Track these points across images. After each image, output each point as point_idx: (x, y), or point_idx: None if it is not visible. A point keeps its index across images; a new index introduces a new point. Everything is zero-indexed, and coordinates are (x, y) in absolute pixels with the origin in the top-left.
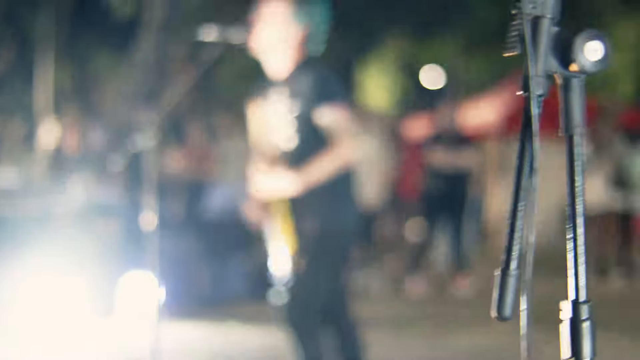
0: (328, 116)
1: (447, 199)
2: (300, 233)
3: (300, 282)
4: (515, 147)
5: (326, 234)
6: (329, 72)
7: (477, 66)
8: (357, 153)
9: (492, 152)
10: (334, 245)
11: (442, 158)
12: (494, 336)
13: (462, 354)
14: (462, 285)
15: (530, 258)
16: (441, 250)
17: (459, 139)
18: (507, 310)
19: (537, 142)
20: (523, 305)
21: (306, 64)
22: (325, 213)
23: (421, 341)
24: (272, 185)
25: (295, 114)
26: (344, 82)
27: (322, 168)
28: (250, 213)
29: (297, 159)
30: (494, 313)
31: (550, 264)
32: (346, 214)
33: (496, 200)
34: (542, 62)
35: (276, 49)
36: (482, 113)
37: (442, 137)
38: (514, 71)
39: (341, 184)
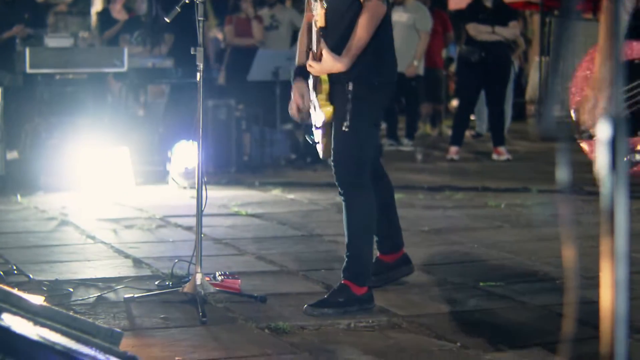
0: None
1: (488, 69)
2: (339, 90)
3: (344, 141)
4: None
5: (364, 88)
6: None
7: None
8: (384, 6)
9: (534, 24)
10: (372, 99)
11: (484, 30)
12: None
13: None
14: (501, 153)
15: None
16: (481, 118)
17: (501, 10)
18: (548, 126)
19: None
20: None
21: None
22: (361, 68)
23: (462, 207)
24: (321, 67)
25: None
26: None
27: (360, 35)
28: (295, 104)
29: (333, 21)
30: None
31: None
32: (382, 67)
33: (535, 70)
34: None
35: None
36: None
37: (483, 9)
38: None
39: (374, 39)
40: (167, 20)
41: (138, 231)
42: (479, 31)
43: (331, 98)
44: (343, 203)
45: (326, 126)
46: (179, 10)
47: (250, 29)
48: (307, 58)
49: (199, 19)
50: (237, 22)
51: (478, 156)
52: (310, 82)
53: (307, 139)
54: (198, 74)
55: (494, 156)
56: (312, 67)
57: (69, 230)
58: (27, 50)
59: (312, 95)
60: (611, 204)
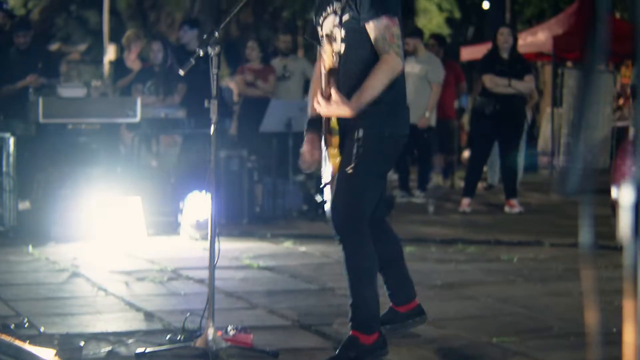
0: (377, 29)
1: (502, 122)
2: (349, 138)
3: (347, 186)
4: (568, 69)
5: (374, 137)
6: None
7: None
8: (402, 64)
9: (546, 75)
10: (381, 149)
11: (500, 83)
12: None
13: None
14: (514, 206)
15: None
16: (493, 170)
17: (517, 63)
18: (570, 188)
19: (601, 58)
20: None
21: None
22: (373, 118)
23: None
24: (329, 108)
25: (340, 21)
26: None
27: (372, 85)
28: (305, 155)
29: (346, 64)
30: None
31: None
32: (394, 119)
33: (547, 121)
34: None
35: None
36: (539, 39)
37: (499, 61)
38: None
39: (389, 90)
40: (182, 73)
41: (150, 284)
42: (495, 83)
43: (341, 147)
44: (342, 251)
45: (334, 180)
46: (193, 63)
47: (262, 79)
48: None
49: (214, 71)
50: (250, 72)
51: (490, 208)
52: (322, 135)
53: (317, 198)
54: (212, 127)
55: (507, 209)
56: (320, 106)
57: (80, 282)
58: (40, 100)
59: (323, 148)
60: (634, 271)
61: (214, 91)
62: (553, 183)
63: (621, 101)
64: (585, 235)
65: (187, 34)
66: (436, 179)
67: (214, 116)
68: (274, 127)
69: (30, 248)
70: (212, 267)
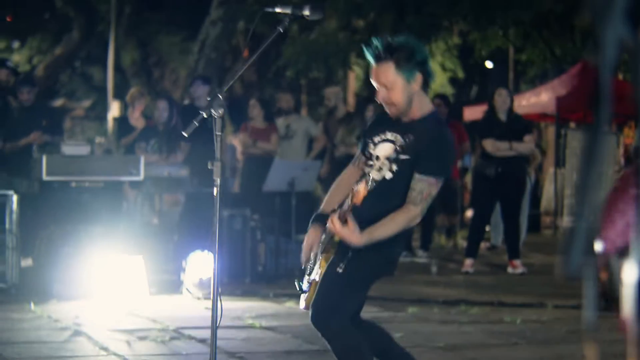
0: (422, 183)
1: (505, 183)
2: (346, 244)
3: (332, 282)
4: (571, 130)
5: (370, 249)
6: (449, 141)
7: (538, 53)
8: (420, 218)
9: (549, 135)
10: (375, 261)
11: (502, 147)
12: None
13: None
14: (516, 266)
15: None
16: (496, 230)
17: (516, 124)
18: (573, 270)
19: (605, 118)
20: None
21: (434, 119)
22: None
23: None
24: (341, 231)
25: (396, 157)
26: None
27: (388, 227)
28: (305, 250)
29: (378, 192)
30: (559, 271)
31: None
32: (394, 241)
33: (550, 182)
34: (614, 30)
35: (407, 106)
36: (542, 99)
37: (497, 123)
38: (575, 60)
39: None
40: (185, 134)
41: (151, 343)
42: (497, 148)
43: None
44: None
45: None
46: (196, 124)
47: (265, 138)
48: (333, 209)
49: (217, 133)
50: (253, 130)
51: (493, 269)
52: (325, 236)
53: (296, 284)
54: (215, 189)
55: (510, 269)
56: (333, 224)
57: (82, 340)
58: (44, 158)
59: (320, 249)
60: (638, 348)
61: (217, 153)
62: (556, 264)
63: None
64: (588, 318)
65: (199, 89)
66: (439, 238)
67: (217, 178)
68: (276, 186)
69: (32, 306)
70: (214, 326)
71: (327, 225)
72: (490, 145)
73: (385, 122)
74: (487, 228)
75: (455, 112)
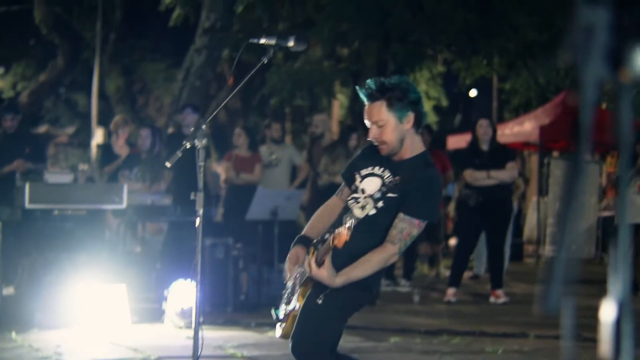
0: (404, 223)
1: (488, 212)
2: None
3: (311, 315)
4: (554, 158)
5: (349, 284)
6: (436, 185)
7: (522, 82)
8: (396, 258)
9: (532, 164)
10: (353, 294)
11: (479, 177)
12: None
13: None
14: (499, 296)
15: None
16: (480, 260)
17: (498, 153)
18: (552, 306)
19: (586, 150)
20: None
21: (423, 159)
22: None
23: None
24: (317, 273)
25: (382, 195)
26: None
27: (363, 268)
28: (287, 271)
29: (360, 228)
30: (538, 310)
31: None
32: (369, 281)
33: (533, 210)
34: (594, 70)
35: (399, 145)
36: (525, 128)
37: (479, 153)
38: (559, 90)
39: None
40: (168, 165)
41: None
42: (474, 178)
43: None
44: None
45: (293, 315)
46: (179, 155)
47: (249, 167)
48: (314, 234)
49: (200, 164)
50: (237, 159)
51: (476, 298)
52: (303, 266)
53: (272, 313)
54: (197, 219)
55: (492, 299)
56: (310, 268)
57: None
58: (27, 186)
59: (298, 279)
60: None
61: (200, 183)
62: (535, 300)
63: (609, 192)
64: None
65: (188, 117)
66: (421, 267)
67: (199, 209)
68: (259, 215)
69: (13, 334)
70: (195, 356)
71: (304, 265)
72: (468, 175)
73: (374, 156)
74: (471, 257)
75: (439, 140)
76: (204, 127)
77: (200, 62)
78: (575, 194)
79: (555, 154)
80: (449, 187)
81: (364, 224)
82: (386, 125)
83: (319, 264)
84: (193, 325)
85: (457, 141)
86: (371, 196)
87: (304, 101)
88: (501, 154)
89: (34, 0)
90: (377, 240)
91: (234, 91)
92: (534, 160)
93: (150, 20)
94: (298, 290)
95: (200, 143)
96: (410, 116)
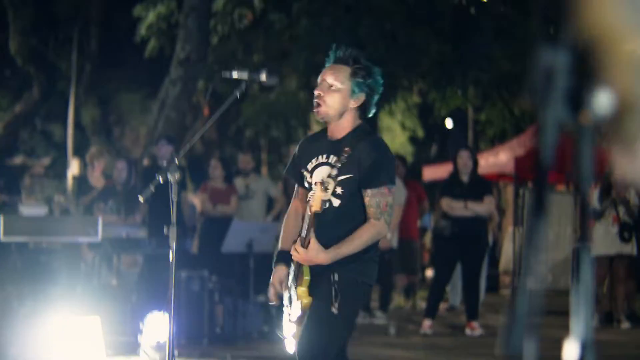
0: (376, 197)
1: (464, 244)
2: (323, 281)
3: (317, 329)
4: (529, 189)
5: (349, 282)
6: (385, 147)
7: (497, 113)
8: (387, 230)
9: (508, 194)
10: (355, 293)
11: (456, 206)
12: None
13: None
14: (474, 328)
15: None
16: (455, 291)
17: (477, 185)
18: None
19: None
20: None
21: (363, 130)
22: (347, 265)
23: None
24: (306, 255)
25: (343, 177)
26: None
27: (354, 244)
28: (273, 288)
29: (333, 214)
30: (499, 351)
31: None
32: (366, 269)
33: (509, 241)
34: (554, 112)
35: (336, 115)
36: (500, 159)
37: (459, 184)
38: (533, 120)
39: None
40: (141, 199)
41: None
42: (451, 207)
43: (312, 289)
44: None
45: (301, 320)
46: (152, 190)
47: (225, 198)
48: (291, 244)
49: (173, 198)
50: (213, 191)
51: (452, 330)
52: (292, 271)
53: (278, 334)
54: (171, 253)
55: (467, 331)
56: (298, 252)
57: None
58: (2, 218)
59: (292, 286)
60: None
61: (173, 217)
62: (497, 341)
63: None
64: None
65: (163, 148)
66: (398, 299)
67: (173, 243)
68: (235, 247)
69: None
70: None
71: (292, 256)
72: (445, 204)
73: (313, 147)
74: (447, 289)
75: (415, 171)
76: (176, 160)
77: (176, 94)
78: (538, 230)
79: (531, 184)
80: (425, 218)
81: (331, 215)
82: (338, 91)
83: (306, 245)
84: (167, 358)
85: (433, 172)
86: (330, 178)
87: (280, 132)
88: (480, 186)
89: (9, 31)
90: (350, 226)
91: (207, 127)
92: (509, 191)
93: (126, 51)
94: (295, 294)
95: (173, 177)
96: (362, 97)
